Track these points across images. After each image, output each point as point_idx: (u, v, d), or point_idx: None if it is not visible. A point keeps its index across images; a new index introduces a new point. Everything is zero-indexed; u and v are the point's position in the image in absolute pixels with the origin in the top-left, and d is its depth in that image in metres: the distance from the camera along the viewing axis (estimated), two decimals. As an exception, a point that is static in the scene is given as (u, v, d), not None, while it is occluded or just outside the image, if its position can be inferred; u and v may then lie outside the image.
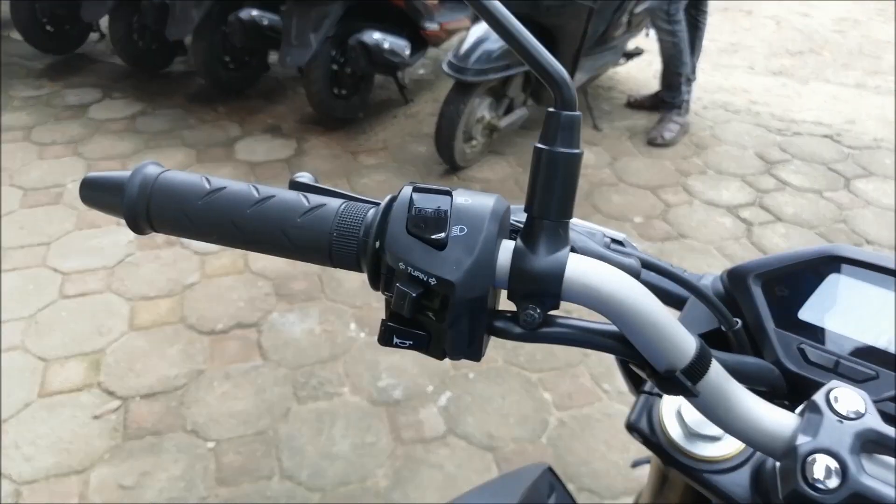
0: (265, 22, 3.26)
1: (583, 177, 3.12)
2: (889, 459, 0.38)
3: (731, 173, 3.24)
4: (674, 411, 0.52)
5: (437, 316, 0.40)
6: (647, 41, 3.95)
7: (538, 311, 0.40)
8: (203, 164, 3.16)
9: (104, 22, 3.98)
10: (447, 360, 2.13)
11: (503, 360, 2.15)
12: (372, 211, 0.43)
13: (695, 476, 0.50)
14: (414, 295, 0.39)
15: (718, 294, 0.54)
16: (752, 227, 2.84)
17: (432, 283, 0.39)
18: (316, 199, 0.44)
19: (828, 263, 0.49)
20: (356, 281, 2.44)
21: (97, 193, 0.47)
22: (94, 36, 4.29)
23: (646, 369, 0.41)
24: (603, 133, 3.56)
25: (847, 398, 0.38)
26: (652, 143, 3.44)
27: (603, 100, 3.94)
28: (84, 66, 4.15)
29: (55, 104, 3.69)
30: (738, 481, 0.49)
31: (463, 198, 0.41)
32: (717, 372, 0.40)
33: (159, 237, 2.67)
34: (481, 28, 2.92)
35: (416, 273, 0.39)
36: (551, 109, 0.40)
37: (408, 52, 3.22)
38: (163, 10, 3.38)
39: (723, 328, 0.49)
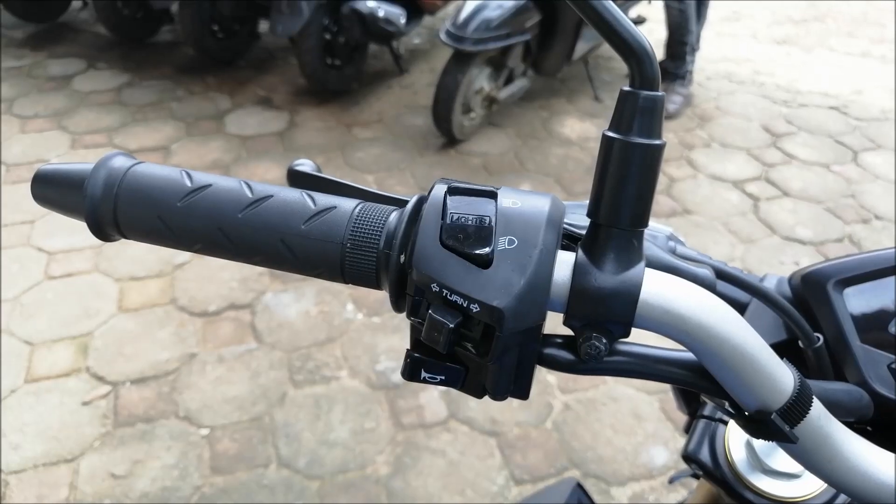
0: (255, -11, 3.13)
1: (584, 149, 3.04)
2: None
3: (736, 146, 3.16)
4: (742, 441, 0.45)
5: (478, 349, 0.32)
6: (649, 9, 3.84)
7: (604, 341, 0.32)
8: (192, 137, 3.05)
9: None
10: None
11: (505, 341, 2.09)
12: (395, 214, 0.35)
13: None
14: (451, 325, 0.31)
15: (788, 300, 0.46)
16: (759, 203, 2.77)
17: (474, 311, 0.31)
18: (324, 199, 0.36)
19: None
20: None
21: (53, 191, 0.38)
22: (76, 4, 4.14)
23: (729, 407, 0.34)
24: (604, 104, 3.46)
25: None
26: (655, 114, 3.34)
27: (604, 70, 3.83)
28: (67, 36, 4.00)
29: (37, 75, 3.56)
30: None
31: (511, 199, 0.33)
32: (818, 412, 0.33)
33: (148, 214, 2.58)
34: (480, -6, 2.81)
35: (454, 297, 0.31)
36: (627, 89, 0.32)
37: (403, 20, 3.09)
38: (147, -23, 3.24)
39: (800, 345, 0.42)
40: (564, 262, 0.33)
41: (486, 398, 0.35)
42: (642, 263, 0.33)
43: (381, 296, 2.24)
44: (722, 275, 0.39)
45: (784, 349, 0.45)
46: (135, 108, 3.29)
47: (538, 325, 0.32)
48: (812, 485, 0.43)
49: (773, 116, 3.42)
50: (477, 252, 0.31)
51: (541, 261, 0.31)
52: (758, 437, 0.33)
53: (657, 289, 0.32)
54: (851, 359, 0.42)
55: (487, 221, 0.32)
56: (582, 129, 3.25)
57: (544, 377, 1.98)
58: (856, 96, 3.67)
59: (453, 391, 1.91)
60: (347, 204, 0.36)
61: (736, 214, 2.70)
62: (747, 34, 4.68)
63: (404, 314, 0.34)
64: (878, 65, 4.20)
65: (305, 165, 0.45)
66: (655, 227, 0.45)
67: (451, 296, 0.31)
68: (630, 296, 0.32)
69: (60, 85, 3.48)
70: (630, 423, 1.85)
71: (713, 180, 2.91)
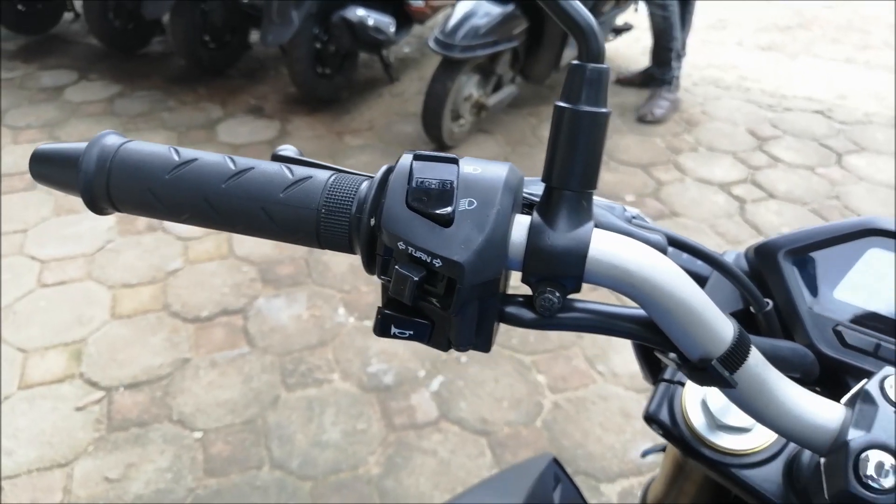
0: (245, -1, 3.17)
1: (573, 155, 3.07)
2: None
3: (722, 150, 3.20)
4: (698, 401, 0.48)
5: (442, 302, 0.35)
6: (636, 17, 3.89)
7: (557, 295, 0.35)
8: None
9: (79, 1, 3.86)
10: (439, 344, 2.10)
11: (496, 343, 2.11)
12: (366, 184, 0.38)
13: (720, 470, 0.46)
14: (416, 279, 0.34)
15: (744, 272, 0.49)
16: (745, 205, 2.81)
17: (437, 266, 0.34)
18: (301, 171, 0.39)
19: (865, 237, 0.45)
20: (343, 265, 2.39)
21: (49, 168, 0.41)
22: (68, 16, 4.17)
23: (677, 358, 0.36)
24: (592, 110, 3.50)
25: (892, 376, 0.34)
26: (642, 120, 3.39)
27: (592, 77, 3.87)
28: (59, 47, 4.02)
29: (29, 86, 3.58)
30: (769, 476, 0.45)
31: (471, 167, 0.35)
32: (756, 360, 0.36)
33: (140, 222, 2.60)
34: (468, 3, 2.85)
35: (419, 253, 0.34)
36: (576, 62, 0.35)
37: (392, 29, 3.13)
38: (139, -12, 3.27)
39: (752, 310, 0.45)
40: (521, 223, 0.36)
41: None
42: (591, 223, 0.35)
43: (373, 299, 2.26)
44: (674, 242, 0.42)
45: (741, 317, 0.48)
46: (126, 119, 3.31)
47: (496, 279, 0.35)
48: (762, 437, 0.46)
49: (759, 121, 3.47)
50: (439, 212, 0.34)
51: (497, 220, 0.34)
52: (702, 384, 0.36)
53: (604, 246, 0.35)
54: (800, 322, 0.45)
55: (449, 184, 0.34)
56: (570, 135, 3.28)
57: (534, 377, 2.00)
58: (840, 101, 3.72)
59: (444, 393, 1.93)
60: (322, 174, 0.38)
61: (723, 216, 2.74)
62: (733, 41, 4.74)
63: (376, 276, 0.37)
64: (862, 70, 4.26)
65: (288, 150, 0.48)
66: (622, 206, 0.48)
67: (415, 252, 0.34)
68: (579, 252, 0.34)
69: (52, 96, 3.50)
70: (619, 422, 1.87)
71: (700, 183, 2.95)
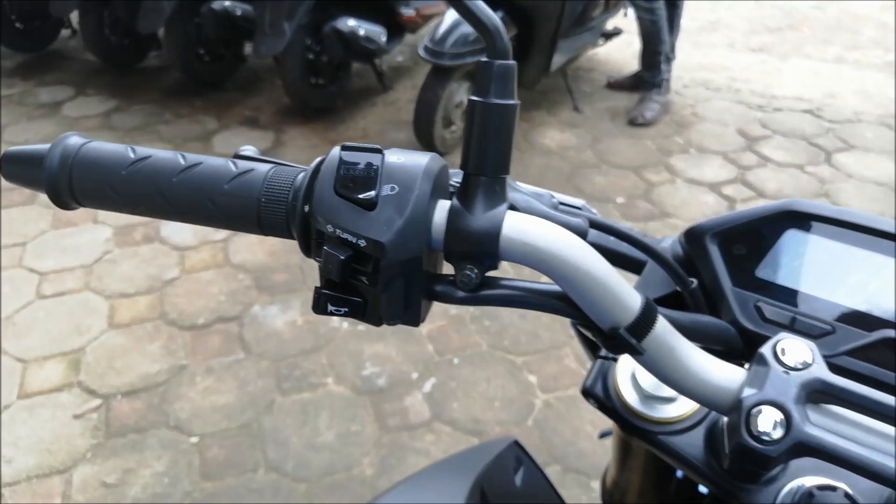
0: (238, 12, 3.22)
1: (564, 159, 3.11)
2: (838, 409, 0.36)
3: (712, 151, 3.24)
4: (629, 374, 0.51)
5: (370, 280, 0.38)
6: (625, 21, 3.93)
7: (475, 271, 0.38)
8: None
9: (76, 18, 3.91)
10: (431, 347, 2.12)
11: (487, 344, 2.14)
12: (302, 174, 0.41)
13: (650, 439, 0.49)
14: (342, 258, 0.37)
15: (678, 256, 0.52)
16: (735, 204, 2.84)
17: (362, 245, 0.37)
18: (245, 164, 0.42)
19: (784, 219, 0.48)
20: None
21: (17, 168, 0.44)
22: (65, 32, 4.22)
23: (592, 329, 0.40)
24: (584, 115, 3.54)
25: (794, 350, 0.37)
26: (633, 122, 3.42)
27: (583, 81, 3.92)
28: (57, 64, 4.08)
29: (27, 103, 3.63)
30: (693, 441, 0.48)
31: (395, 156, 0.39)
32: (663, 329, 0.39)
33: (138, 233, 2.64)
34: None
35: (345, 235, 0.37)
36: (484, 59, 0.38)
37: (384, 38, 3.18)
38: (133, 3, 3.32)
39: (679, 288, 0.48)
40: (443, 207, 0.39)
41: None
42: (505, 205, 0.39)
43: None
44: (598, 225, 0.45)
45: (673, 299, 0.51)
46: (123, 132, 3.36)
47: (418, 257, 0.38)
48: (687, 406, 0.49)
49: (749, 121, 3.50)
50: (362, 197, 0.37)
51: (417, 203, 0.37)
52: (614, 352, 0.39)
53: (517, 226, 0.38)
54: (724, 300, 0.48)
55: (373, 172, 0.38)
56: (562, 139, 3.32)
57: (526, 377, 2.03)
58: (829, 100, 3.76)
59: (437, 395, 1.96)
60: (263, 167, 0.42)
61: (713, 216, 2.76)
62: (724, 43, 4.79)
63: (312, 258, 0.40)
64: (851, 69, 4.30)
65: (248, 150, 0.52)
66: (558, 195, 0.51)
67: (342, 234, 0.37)
68: (493, 231, 0.38)
69: (50, 112, 3.55)
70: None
71: (690, 184, 2.98)
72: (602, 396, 0.51)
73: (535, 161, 3.14)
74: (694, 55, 4.39)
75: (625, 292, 0.38)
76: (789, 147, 3.26)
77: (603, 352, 0.54)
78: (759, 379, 0.36)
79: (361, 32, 3.07)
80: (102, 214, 2.74)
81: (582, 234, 0.41)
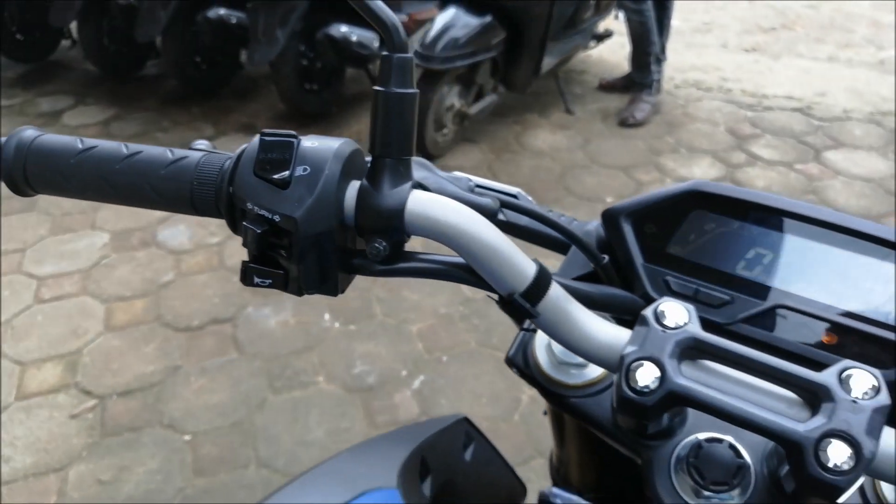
0: (233, 20, 3.27)
1: (555, 160, 3.15)
2: (713, 365, 0.40)
3: (702, 150, 3.27)
4: (544, 344, 0.55)
5: (288, 253, 0.42)
6: (617, 23, 3.97)
7: (384, 244, 0.42)
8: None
9: (75, 29, 3.98)
10: (420, 346, 2.16)
11: (476, 342, 2.18)
12: (229, 160, 0.45)
13: (564, 403, 0.53)
14: (258, 231, 0.41)
15: (600, 237, 0.56)
16: (723, 202, 2.86)
17: (277, 220, 0.41)
18: (181, 152, 0.46)
19: (690, 199, 0.51)
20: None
21: None
22: (65, 43, 4.29)
23: (495, 296, 0.43)
24: (575, 116, 3.58)
25: (673, 312, 0.40)
26: (623, 123, 3.46)
27: (575, 83, 3.96)
28: (57, 74, 4.15)
29: (28, 112, 3.69)
30: (602, 404, 0.51)
31: (310, 142, 0.43)
32: (557, 295, 0.43)
33: (134, 238, 2.69)
34: (447, 16, 2.94)
35: (262, 211, 0.42)
36: (385, 53, 0.42)
37: (377, 44, 3.22)
38: (131, 13, 3.38)
39: (592, 264, 0.52)
40: (354, 187, 0.43)
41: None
42: (409, 184, 0.43)
43: (359, 305, 2.33)
44: (511, 206, 0.49)
45: (595, 276, 0.55)
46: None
47: (327, 231, 0.42)
48: (597, 371, 0.53)
49: (739, 120, 3.54)
50: (277, 177, 0.41)
51: (327, 182, 0.41)
52: (513, 317, 0.43)
53: (420, 202, 0.42)
54: (636, 275, 0.52)
55: (287, 155, 0.42)
56: (553, 141, 3.36)
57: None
58: (820, 98, 3.79)
59: (425, 391, 2.00)
60: (197, 154, 0.46)
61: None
62: (717, 44, 4.82)
63: (239, 235, 0.44)
64: (843, 68, 4.33)
65: (202, 144, 0.56)
66: (490, 182, 0.55)
67: (260, 211, 0.42)
68: (398, 207, 0.42)
69: (50, 121, 3.61)
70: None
71: (680, 183, 3.01)
72: (522, 365, 0.55)
73: (525, 163, 3.17)
74: (687, 56, 4.43)
75: (519, 261, 0.42)
76: (778, 145, 3.29)
77: (526, 324, 0.57)
78: (640, 338, 0.40)
79: (354, 38, 3.12)
80: (100, 221, 2.79)
81: (490, 213, 0.45)
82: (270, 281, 0.44)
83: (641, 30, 3.35)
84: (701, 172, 3.08)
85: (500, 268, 0.41)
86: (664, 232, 0.52)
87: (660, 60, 3.55)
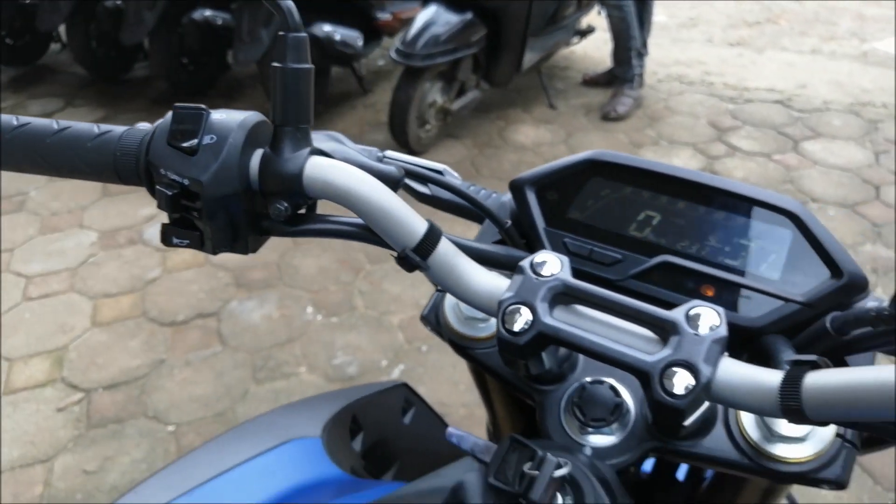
0: (219, 21, 3.31)
1: (538, 154, 3.20)
2: (584, 309, 0.44)
3: (683, 142, 3.31)
4: (453, 302, 0.59)
5: (199, 214, 0.46)
6: (599, 19, 4.01)
7: (285, 205, 0.47)
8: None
9: (64, 32, 4.02)
10: (401, 336, 2.20)
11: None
12: (148, 133, 0.50)
13: (469, 355, 0.57)
14: (169, 194, 0.45)
15: (512, 207, 0.60)
16: (702, 193, 2.91)
17: (186, 184, 0.46)
18: (106, 127, 0.51)
19: (588, 168, 0.55)
20: (313, 267, 2.50)
21: None
22: (55, 47, 4.33)
23: (394, 253, 0.48)
24: (558, 111, 3.62)
25: (549, 262, 0.45)
26: (606, 117, 3.50)
27: (559, 79, 4.00)
28: (46, 77, 4.18)
29: (18, 115, 3.73)
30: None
31: (219, 115, 0.47)
32: (446, 250, 0.47)
33: (121, 237, 2.73)
34: (428, 13, 2.98)
35: (174, 176, 0.46)
36: (281, 33, 0.46)
37: (360, 42, 3.26)
38: (118, 16, 3.42)
39: (496, 228, 0.56)
40: (258, 154, 0.48)
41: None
42: (308, 150, 0.47)
43: (341, 297, 2.38)
44: (431, 180, 0.54)
45: (504, 243, 0.59)
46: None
47: (233, 193, 0.46)
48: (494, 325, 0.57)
49: (720, 113, 3.58)
50: (186, 145, 0.46)
51: (231, 149, 0.46)
52: (407, 270, 0.47)
53: (317, 166, 0.46)
54: (538, 238, 0.56)
55: (196, 126, 0.46)
56: (536, 136, 3.40)
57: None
58: (800, 90, 3.83)
59: (405, 379, 2.03)
60: (120, 129, 0.50)
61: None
62: (703, 39, 4.86)
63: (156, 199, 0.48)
64: (826, 61, 4.37)
65: (143, 125, 0.60)
66: (414, 159, 0.60)
67: (172, 175, 0.46)
68: (296, 171, 0.46)
69: (40, 123, 3.64)
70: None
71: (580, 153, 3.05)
72: (434, 322, 0.59)
73: (508, 157, 3.22)
74: (672, 51, 4.48)
75: (411, 220, 0.46)
76: (758, 136, 3.33)
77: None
78: (517, 285, 0.44)
79: (337, 37, 3.16)
80: (88, 220, 2.83)
81: (392, 180, 0.49)
82: (188, 241, 0.48)
83: (622, 25, 3.39)
84: (680, 163, 3.11)
85: (393, 226, 0.46)
86: (564, 198, 0.56)
87: (641, 55, 3.59)
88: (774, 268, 0.50)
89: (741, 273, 0.51)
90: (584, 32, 3.89)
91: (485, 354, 0.56)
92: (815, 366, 0.38)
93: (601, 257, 0.54)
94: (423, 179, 0.58)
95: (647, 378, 0.40)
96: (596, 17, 3.95)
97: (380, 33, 3.54)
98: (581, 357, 0.53)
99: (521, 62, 3.26)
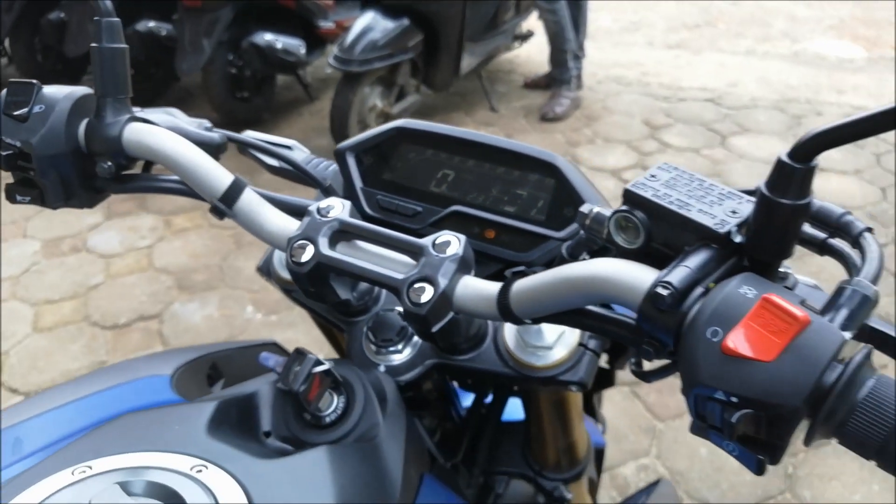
0: (163, 32, 3.37)
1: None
2: (364, 244, 0.52)
3: (617, 140, 3.44)
4: (280, 255, 0.67)
5: (35, 172, 0.55)
6: (538, 24, 4.15)
7: (108, 164, 0.55)
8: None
9: (9, 45, 4.03)
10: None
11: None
12: None
13: (293, 297, 0.65)
14: (4, 154, 0.53)
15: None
16: (633, 187, 3.03)
17: (18, 146, 0.53)
18: None
19: (397, 135, 0.64)
20: (254, 268, 2.56)
21: None
22: (2, 61, 4.33)
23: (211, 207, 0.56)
24: (499, 114, 3.74)
25: (335, 207, 0.53)
26: (544, 118, 3.62)
27: (501, 82, 4.12)
28: (-7, 91, 4.19)
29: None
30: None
31: (51, 89, 0.56)
32: (250, 199, 0.55)
33: (65, 244, 2.76)
34: (365, 20, 3.07)
35: (9, 140, 0.54)
36: (96, 18, 0.55)
37: (303, 50, 3.34)
38: (61, 28, 3.46)
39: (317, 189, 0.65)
40: (85, 121, 0.56)
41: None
42: (127, 117, 0.56)
43: (280, 296, 2.43)
44: (274, 154, 0.62)
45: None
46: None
47: (61, 154, 0.55)
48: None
49: (654, 111, 3.73)
50: (16, 113, 0.54)
51: (57, 116, 0.55)
52: (219, 218, 0.55)
53: (134, 130, 0.55)
54: (356, 197, 0.65)
55: (27, 97, 0.54)
56: (478, 137, 3.50)
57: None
58: (731, 88, 4.00)
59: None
60: None
61: (612, 199, 2.90)
62: (644, 42, 5.04)
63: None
64: (758, 61, 4.56)
65: None
66: (267, 136, 0.68)
67: (8, 139, 0.54)
68: (116, 135, 0.55)
69: (-15, 137, 3.65)
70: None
71: (593, 171, 3.17)
72: (266, 273, 0.68)
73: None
74: (612, 54, 4.63)
75: (217, 174, 0.54)
76: (688, 133, 3.48)
77: None
78: (304, 225, 0.52)
79: (279, 46, 3.24)
80: (32, 229, 2.86)
81: (212, 145, 0.58)
82: (29, 198, 0.56)
83: (556, 28, 3.52)
84: (614, 161, 3.25)
85: (202, 179, 0.54)
86: (379, 162, 0.65)
87: (578, 57, 3.73)
88: (542, 212, 0.59)
89: (517, 217, 0.60)
90: (524, 37, 4.02)
91: (300, 294, 0.65)
92: (524, 275, 0.47)
93: (405, 210, 0.63)
94: (270, 154, 0.67)
95: (398, 293, 0.48)
96: (536, 22, 4.08)
97: (323, 41, 3.62)
98: (383, 292, 0.62)
99: (460, 66, 3.36)
